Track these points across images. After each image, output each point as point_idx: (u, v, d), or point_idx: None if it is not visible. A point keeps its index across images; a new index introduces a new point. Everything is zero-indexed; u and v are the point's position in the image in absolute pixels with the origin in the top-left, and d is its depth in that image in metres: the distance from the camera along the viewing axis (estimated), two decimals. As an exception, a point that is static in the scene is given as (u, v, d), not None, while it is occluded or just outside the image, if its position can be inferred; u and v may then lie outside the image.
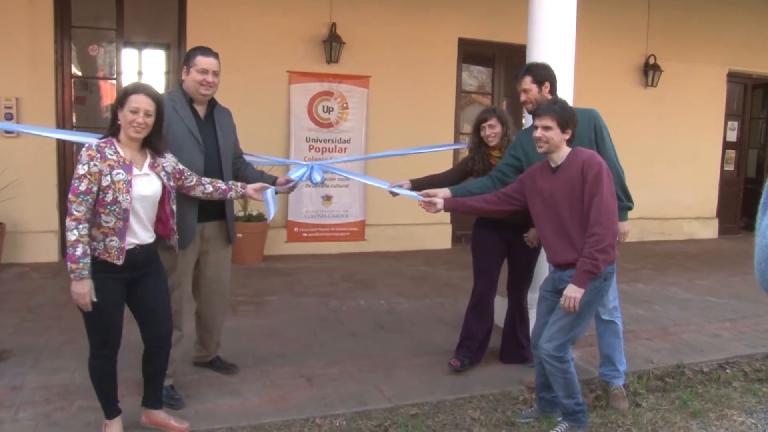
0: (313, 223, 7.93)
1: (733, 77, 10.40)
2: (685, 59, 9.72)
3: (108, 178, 2.84)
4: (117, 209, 2.86)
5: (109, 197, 2.84)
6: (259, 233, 7.33)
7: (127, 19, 7.18)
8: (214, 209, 3.62)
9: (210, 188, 3.40)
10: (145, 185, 2.98)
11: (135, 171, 2.95)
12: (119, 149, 2.93)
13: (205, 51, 3.54)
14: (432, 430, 3.41)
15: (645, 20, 9.38)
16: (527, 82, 3.78)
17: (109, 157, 2.87)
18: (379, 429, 3.41)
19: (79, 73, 7.67)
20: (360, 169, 7.95)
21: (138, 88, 2.98)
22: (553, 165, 3.33)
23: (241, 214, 7.14)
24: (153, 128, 3.01)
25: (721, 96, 10.36)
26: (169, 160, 3.17)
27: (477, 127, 4.14)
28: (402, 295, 6.08)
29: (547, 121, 3.24)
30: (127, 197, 2.88)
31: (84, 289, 2.81)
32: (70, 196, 2.81)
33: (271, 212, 3.64)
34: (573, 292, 3.16)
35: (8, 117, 6.58)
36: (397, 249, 8.23)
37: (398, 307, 5.69)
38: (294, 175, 3.91)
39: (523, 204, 3.51)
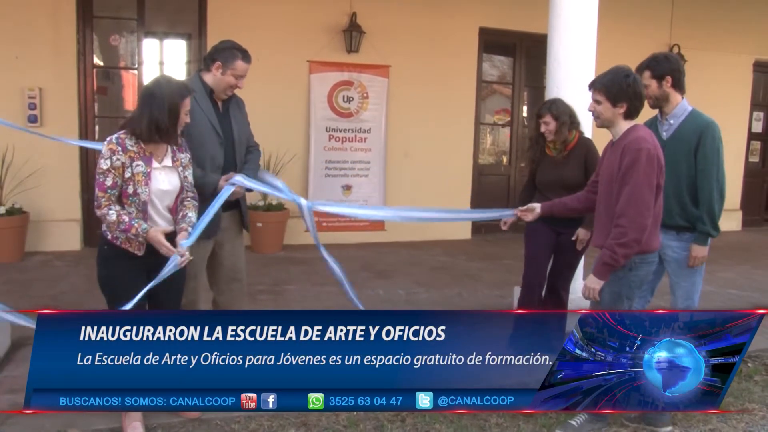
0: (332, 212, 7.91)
1: (759, 67, 10.22)
2: (710, 48, 9.54)
3: (129, 170, 2.91)
4: (137, 201, 2.95)
5: (130, 189, 2.93)
6: (278, 222, 7.35)
7: (148, 9, 7.22)
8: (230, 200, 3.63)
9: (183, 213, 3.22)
10: (164, 179, 3.03)
11: (155, 164, 2.99)
12: (140, 140, 2.97)
13: (246, 56, 3.51)
14: (449, 419, 3.42)
15: (669, 8, 9.23)
16: (646, 78, 3.62)
17: (130, 148, 2.93)
18: (397, 418, 3.42)
19: (101, 63, 7.73)
20: (380, 157, 7.95)
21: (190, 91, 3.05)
22: (613, 140, 3.22)
23: (261, 203, 7.17)
24: None
25: (747, 86, 10.19)
26: (186, 156, 3.19)
27: (537, 121, 4.16)
28: (421, 285, 6.08)
29: (596, 95, 3.13)
30: (146, 189, 2.95)
31: (157, 236, 2.92)
32: (97, 191, 2.88)
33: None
34: (591, 283, 3.13)
35: (31, 107, 6.65)
36: (416, 239, 8.20)
37: (417, 296, 5.69)
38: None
39: None
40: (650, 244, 3.15)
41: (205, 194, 3.34)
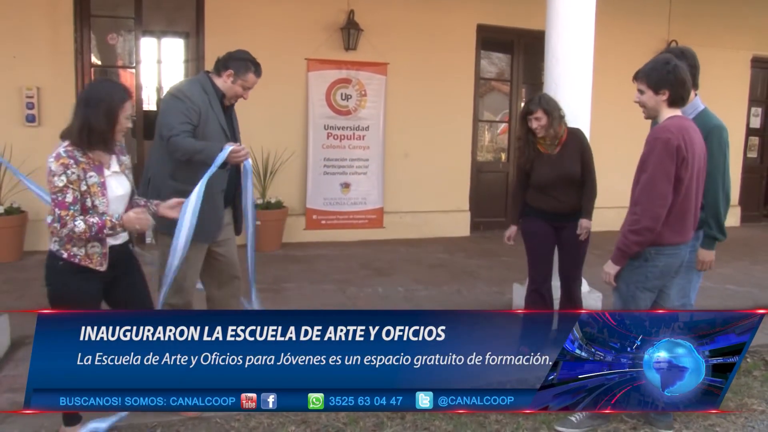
0: (331, 210, 7.93)
1: (757, 63, 10.21)
2: (708, 44, 9.49)
3: (84, 183, 2.78)
4: (96, 214, 2.81)
5: (88, 202, 2.80)
6: (277, 220, 7.35)
7: (145, 8, 7.21)
8: (226, 197, 3.65)
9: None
10: (118, 185, 2.95)
11: (106, 171, 2.89)
12: (87, 150, 2.81)
13: (258, 70, 3.57)
14: (449, 416, 3.42)
15: (667, 5, 9.21)
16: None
17: (80, 159, 2.78)
18: (397, 415, 3.43)
19: (99, 62, 7.73)
20: (378, 155, 7.95)
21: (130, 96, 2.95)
22: None
23: (259, 201, 7.17)
24: None
25: (745, 82, 10.19)
26: (128, 158, 3.11)
27: (524, 118, 4.09)
28: (420, 283, 6.08)
29: (639, 84, 3.11)
30: (104, 200, 2.84)
31: (131, 216, 2.85)
32: (58, 212, 2.72)
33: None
34: (607, 267, 3.17)
35: (29, 106, 6.65)
36: (415, 236, 8.22)
37: (416, 294, 5.70)
38: None
39: None
40: (669, 237, 3.11)
41: (210, 163, 3.34)
